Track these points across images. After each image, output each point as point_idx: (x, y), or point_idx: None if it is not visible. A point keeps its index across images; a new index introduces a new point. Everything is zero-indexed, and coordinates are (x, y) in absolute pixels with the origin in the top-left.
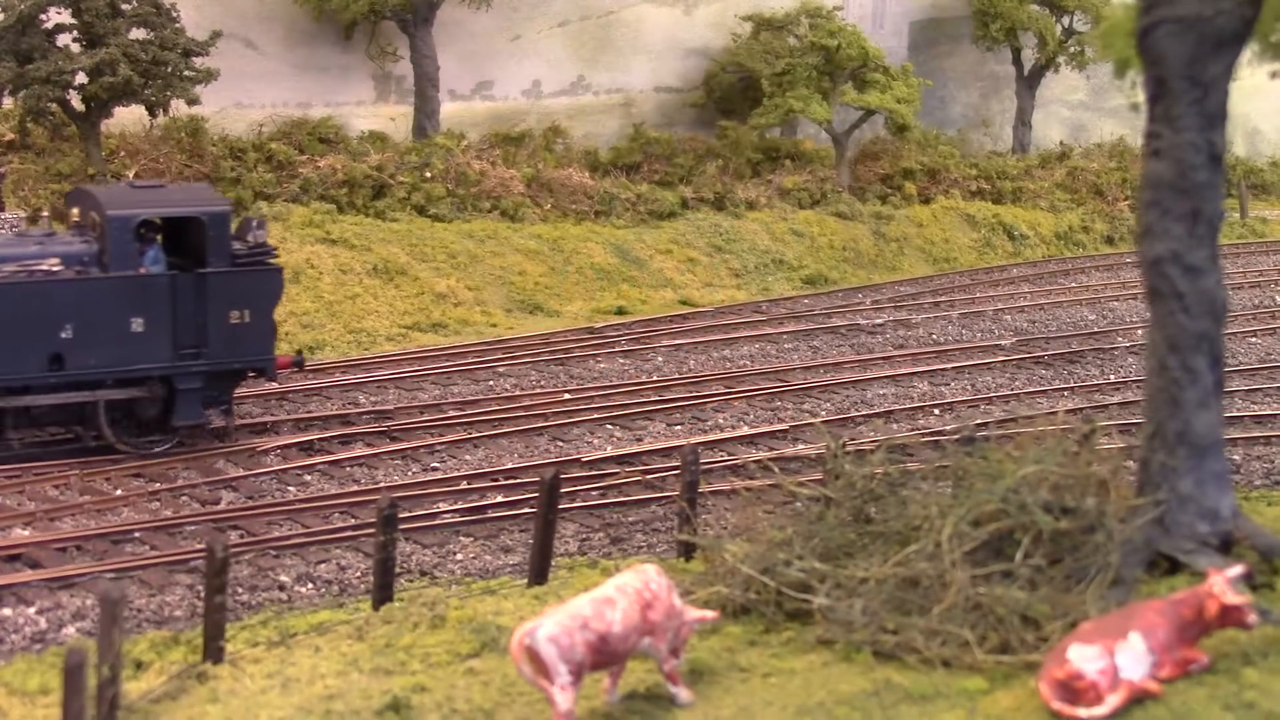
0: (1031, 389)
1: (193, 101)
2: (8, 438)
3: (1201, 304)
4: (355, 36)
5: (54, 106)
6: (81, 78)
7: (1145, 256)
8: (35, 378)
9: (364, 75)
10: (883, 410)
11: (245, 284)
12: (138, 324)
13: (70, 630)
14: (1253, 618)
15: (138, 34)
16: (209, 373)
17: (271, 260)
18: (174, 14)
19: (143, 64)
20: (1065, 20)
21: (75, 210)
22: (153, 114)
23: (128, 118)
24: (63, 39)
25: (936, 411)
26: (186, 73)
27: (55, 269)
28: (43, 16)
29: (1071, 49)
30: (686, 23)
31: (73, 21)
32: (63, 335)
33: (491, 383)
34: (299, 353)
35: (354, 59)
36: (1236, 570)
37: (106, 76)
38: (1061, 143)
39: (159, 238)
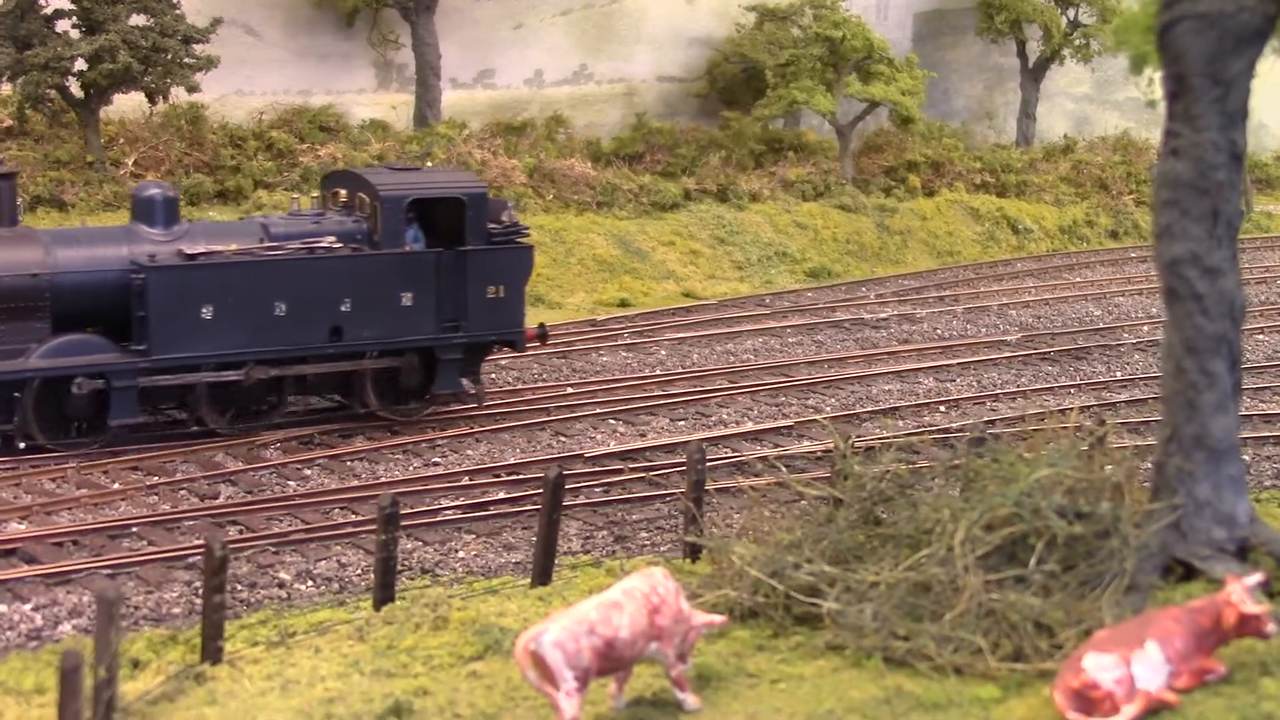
0: (1038, 386)
1: (192, 89)
2: (286, 405)
3: (1220, 306)
4: (356, 24)
5: (53, 93)
6: (80, 64)
7: (1163, 258)
8: (316, 348)
9: (365, 63)
10: (888, 406)
11: (501, 261)
12: (407, 298)
13: (66, 627)
14: (1271, 627)
15: (137, 20)
16: (467, 344)
17: (522, 239)
18: (174, 0)
19: (142, 51)
20: (1070, 13)
21: (342, 191)
22: (152, 101)
23: (127, 104)
24: (62, 25)
25: (943, 408)
26: (186, 60)
27: (335, 246)
28: (42, 2)
29: (1076, 41)
30: (689, 12)
31: (72, 7)
32: (342, 309)
33: (493, 375)
34: (540, 326)
35: (355, 46)
36: (1255, 578)
37: (105, 63)
38: (1066, 136)
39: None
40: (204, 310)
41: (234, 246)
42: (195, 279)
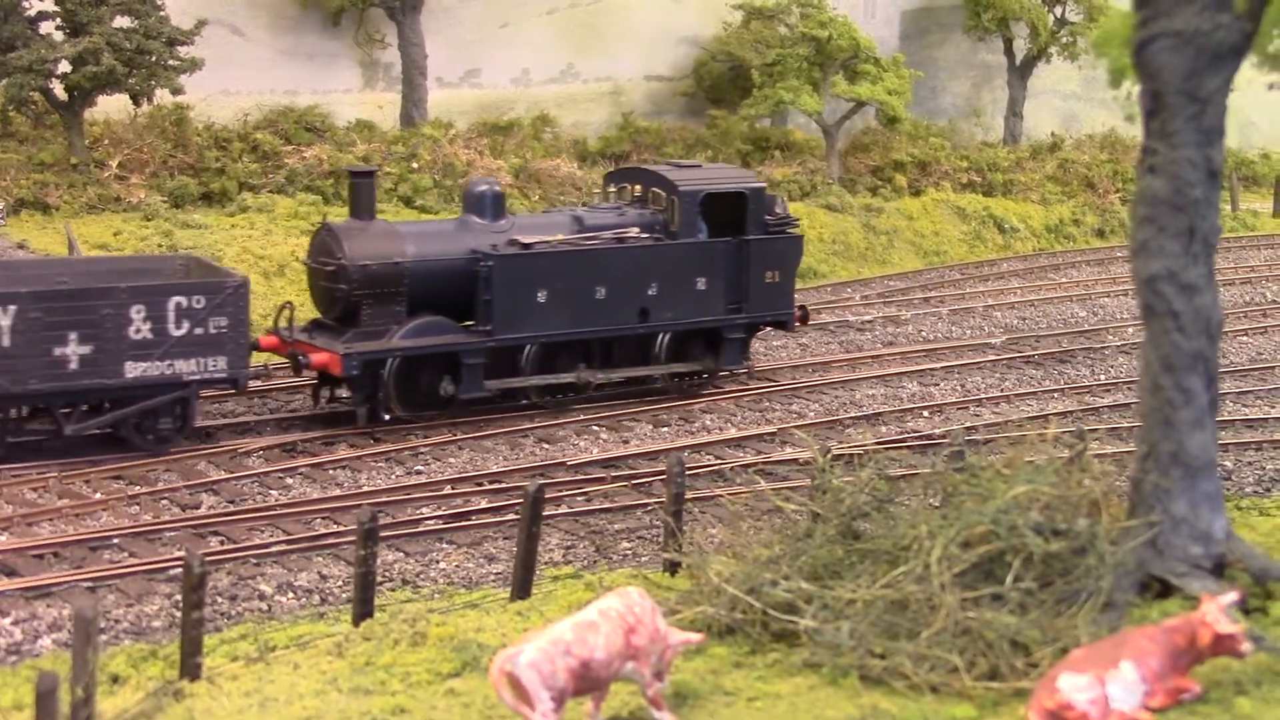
0: (1021, 390)
1: (176, 91)
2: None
3: (1197, 323)
4: (342, 23)
5: (36, 95)
6: (64, 66)
7: (1140, 274)
8: (627, 329)
9: (351, 62)
10: (871, 412)
11: (778, 249)
12: (701, 283)
13: (46, 642)
14: (1246, 646)
15: (121, 22)
16: (746, 324)
17: (793, 229)
18: (158, 2)
19: (126, 53)
20: (1057, 10)
21: (634, 186)
22: (137, 103)
23: (112, 106)
24: (45, 27)
25: (925, 414)
26: (170, 62)
27: (640, 236)
28: (25, 4)
29: (1064, 39)
30: (676, 10)
31: (55, 9)
32: (649, 292)
33: None
34: (802, 308)
35: (341, 46)
36: (1230, 597)
37: (89, 66)
38: (1053, 134)
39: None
40: (539, 294)
41: (560, 236)
42: (532, 266)
